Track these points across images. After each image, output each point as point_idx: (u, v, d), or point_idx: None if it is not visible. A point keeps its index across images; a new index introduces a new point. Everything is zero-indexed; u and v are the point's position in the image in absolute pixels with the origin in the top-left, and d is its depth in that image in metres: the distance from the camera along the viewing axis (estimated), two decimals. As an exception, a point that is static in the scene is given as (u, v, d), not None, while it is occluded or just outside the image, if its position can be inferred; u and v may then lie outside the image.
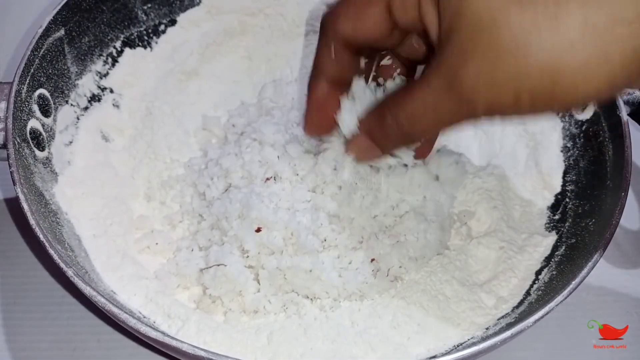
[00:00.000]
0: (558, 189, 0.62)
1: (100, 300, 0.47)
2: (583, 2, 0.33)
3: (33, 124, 0.57)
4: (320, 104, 0.50)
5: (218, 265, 0.54)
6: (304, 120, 0.52)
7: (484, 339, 0.46)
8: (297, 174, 0.56)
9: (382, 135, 0.46)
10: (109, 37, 0.67)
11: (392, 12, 0.43)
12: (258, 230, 0.54)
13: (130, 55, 0.68)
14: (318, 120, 0.51)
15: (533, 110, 0.36)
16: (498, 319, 0.54)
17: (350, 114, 0.49)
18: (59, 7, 0.60)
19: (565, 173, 0.63)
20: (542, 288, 0.55)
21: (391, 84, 0.51)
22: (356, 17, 0.45)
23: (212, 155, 0.63)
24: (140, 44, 0.70)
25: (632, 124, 0.58)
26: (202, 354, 0.44)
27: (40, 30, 0.58)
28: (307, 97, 0.50)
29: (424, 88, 0.39)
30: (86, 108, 0.64)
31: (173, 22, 0.71)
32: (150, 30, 0.70)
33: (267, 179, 0.56)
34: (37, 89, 0.58)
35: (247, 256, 0.54)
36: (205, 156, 0.64)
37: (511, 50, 0.34)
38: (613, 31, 0.33)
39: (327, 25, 0.46)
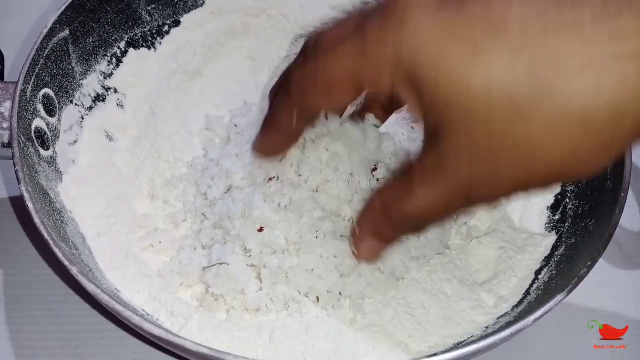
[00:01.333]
0: (558, 189, 0.62)
1: (103, 297, 0.47)
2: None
3: (37, 123, 0.57)
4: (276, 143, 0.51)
5: (220, 263, 0.54)
6: (257, 144, 0.52)
7: (483, 337, 0.47)
8: (300, 175, 0.56)
9: (388, 231, 0.45)
10: (113, 38, 0.67)
11: (363, 87, 0.41)
12: (260, 229, 0.54)
13: (134, 55, 0.69)
14: (275, 148, 0.52)
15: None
16: (498, 318, 0.54)
17: None
18: (63, 7, 0.60)
19: (565, 173, 0.63)
20: (542, 287, 0.55)
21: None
22: (325, 94, 0.43)
23: (212, 154, 0.63)
24: (144, 44, 0.70)
25: (632, 125, 0.59)
26: (205, 351, 0.45)
27: (45, 30, 0.59)
28: (261, 132, 0.51)
29: (426, 187, 0.39)
30: (90, 108, 0.65)
31: (177, 23, 0.72)
32: (154, 31, 0.71)
33: (270, 179, 0.56)
34: (41, 88, 0.58)
35: (249, 255, 0.55)
36: (206, 156, 0.65)
37: (515, 156, 0.35)
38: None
39: (295, 92, 0.45)
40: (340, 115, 0.52)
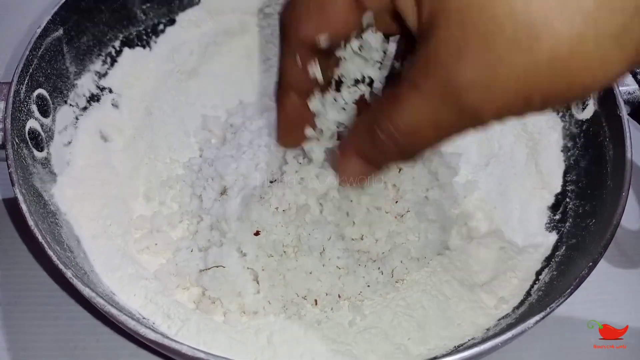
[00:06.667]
0: (558, 189, 0.62)
1: (99, 301, 0.46)
2: None
3: (32, 124, 0.56)
4: (293, 118, 0.46)
5: (217, 266, 0.54)
6: (277, 133, 0.48)
7: (484, 340, 0.46)
8: (302, 177, 0.55)
9: (375, 153, 0.40)
10: (107, 37, 0.67)
11: None
12: (257, 233, 0.53)
13: (129, 55, 0.68)
14: (292, 133, 0.47)
15: (545, 108, 0.32)
16: (498, 320, 0.54)
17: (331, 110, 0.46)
18: (57, 6, 0.60)
19: (565, 173, 0.62)
20: (543, 288, 0.55)
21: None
22: (318, 12, 0.39)
23: (207, 155, 0.63)
24: (139, 43, 0.69)
25: (632, 124, 0.58)
26: (202, 355, 0.44)
27: (39, 30, 0.58)
28: (277, 110, 0.46)
29: (414, 94, 0.34)
30: (85, 108, 0.64)
31: (172, 22, 0.71)
32: (149, 30, 0.70)
33: (271, 182, 0.56)
34: (35, 89, 0.57)
35: (246, 258, 0.54)
36: (202, 156, 0.64)
37: (515, 42, 0.29)
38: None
39: (288, 28, 0.41)
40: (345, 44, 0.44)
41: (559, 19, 0.29)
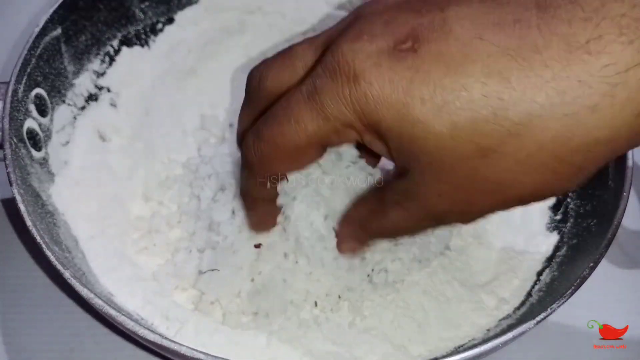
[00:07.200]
0: (559, 189, 0.62)
1: (97, 302, 0.46)
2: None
3: (30, 124, 0.56)
4: (264, 216, 0.51)
5: (212, 270, 0.53)
6: (247, 221, 0.53)
7: (485, 341, 0.46)
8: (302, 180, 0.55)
9: (368, 240, 0.49)
10: (106, 36, 0.66)
11: (330, 144, 0.41)
12: (257, 246, 0.53)
13: (127, 54, 0.68)
14: (265, 223, 0.52)
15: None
16: (499, 320, 0.54)
17: None
18: (55, 5, 0.60)
19: (566, 173, 0.62)
20: (544, 289, 0.54)
21: None
22: (291, 162, 0.44)
23: (205, 153, 0.63)
24: (137, 42, 0.69)
25: (633, 123, 0.58)
26: (201, 356, 0.44)
27: (37, 30, 0.58)
28: (245, 207, 0.52)
29: (400, 210, 0.41)
30: (83, 107, 0.64)
31: (171, 21, 0.71)
32: (147, 29, 0.70)
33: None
34: (33, 88, 0.57)
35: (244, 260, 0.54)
36: (200, 156, 0.64)
37: (486, 191, 0.37)
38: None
39: (257, 166, 0.44)
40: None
41: (524, 179, 0.35)
